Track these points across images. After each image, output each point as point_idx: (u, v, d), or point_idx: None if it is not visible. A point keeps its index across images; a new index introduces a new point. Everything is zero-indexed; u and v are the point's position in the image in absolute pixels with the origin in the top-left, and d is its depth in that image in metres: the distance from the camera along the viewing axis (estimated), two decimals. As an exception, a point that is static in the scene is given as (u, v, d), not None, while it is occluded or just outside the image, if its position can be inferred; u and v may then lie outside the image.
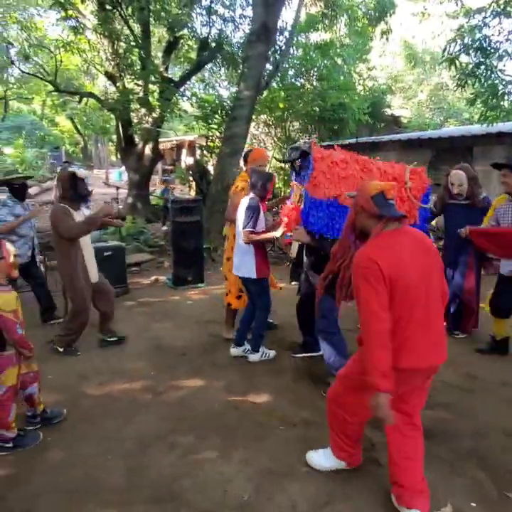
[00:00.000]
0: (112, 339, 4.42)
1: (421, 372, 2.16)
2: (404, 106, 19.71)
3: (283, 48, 10.30)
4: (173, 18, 9.81)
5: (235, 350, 4.19)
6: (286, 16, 38.15)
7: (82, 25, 10.50)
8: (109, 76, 10.86)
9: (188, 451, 2.75)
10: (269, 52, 9.29)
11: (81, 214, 4.07)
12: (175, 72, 13.43)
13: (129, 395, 3.46)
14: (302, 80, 12.51)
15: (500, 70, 7.16)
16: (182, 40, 11.30)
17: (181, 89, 11.31)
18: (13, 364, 2.75)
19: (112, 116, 13.49)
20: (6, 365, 2.72)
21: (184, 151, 24.20)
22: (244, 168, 4.46)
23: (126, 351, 4.30)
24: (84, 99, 14.17)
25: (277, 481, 2.47)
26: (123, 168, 21.18)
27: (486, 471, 2.61)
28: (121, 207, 10.47)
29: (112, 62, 10.43)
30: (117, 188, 8.34)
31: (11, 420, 2.75)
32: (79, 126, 28.38)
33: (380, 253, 2.04)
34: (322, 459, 2.57)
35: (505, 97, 7.18)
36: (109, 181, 18.26)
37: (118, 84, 10.51)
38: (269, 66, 9.71)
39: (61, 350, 4.18)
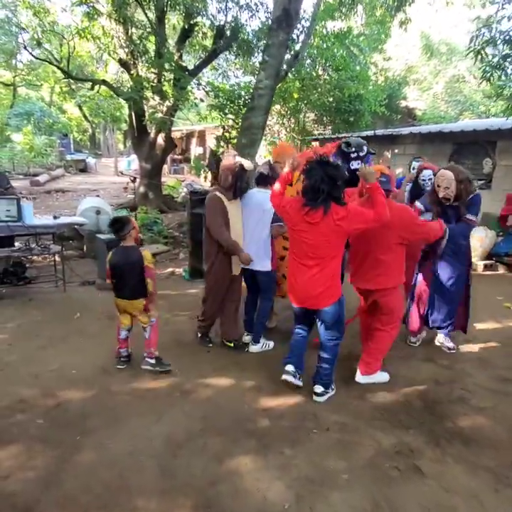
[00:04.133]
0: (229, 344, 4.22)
1: (362, 291, 3.65)
2: (419, 98, 19.36)
3: (302, 36, 10.05)
4: (189, 5, 9.61)
5: (255, 347, 4.17)
6: (304, 4, 37.82)
7: (96, 11, 10.32)
8: (123, 63, 10.69)
9: (221, 454, 2.67)
10: (289, 41, 9.07)
11: (237, 204, 4.01)
12: (189, 61, 13.22)
13: (154, 392, 3.38)
14: (320, 71, 12.28)
15: (528, 63, 6.96)
16: (197, 28, 11.09)
17: (195, 78, 11.14)
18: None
19: (124, 103, 13.31)
20: (153, 302, 3.75)
21: (194, 141, 24.06)
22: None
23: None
24: (96, 87, 13.99)
25: (318, 490, 2.39)
26: (132, 156, 21.05)
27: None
28: (134, 196, 10.39)
29: (126, 49, 10.26)
30: (133, 178, 8.16)
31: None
32: (87, 114, 28.25)
33: None
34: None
35: (533, 91, 7.00)
36: (120, 170, 18.14)
37: (132, 71, 10.35)
38: (287, 55, 9.49)
39: (199, 335, 4.31)
